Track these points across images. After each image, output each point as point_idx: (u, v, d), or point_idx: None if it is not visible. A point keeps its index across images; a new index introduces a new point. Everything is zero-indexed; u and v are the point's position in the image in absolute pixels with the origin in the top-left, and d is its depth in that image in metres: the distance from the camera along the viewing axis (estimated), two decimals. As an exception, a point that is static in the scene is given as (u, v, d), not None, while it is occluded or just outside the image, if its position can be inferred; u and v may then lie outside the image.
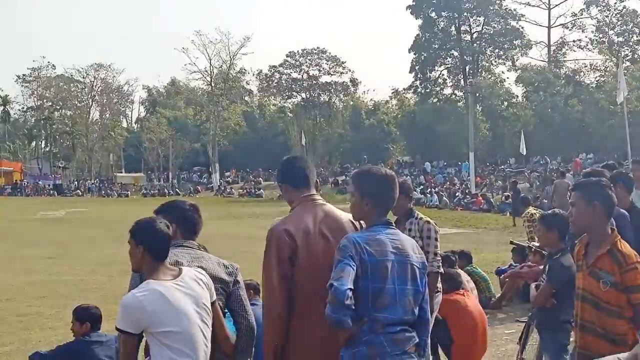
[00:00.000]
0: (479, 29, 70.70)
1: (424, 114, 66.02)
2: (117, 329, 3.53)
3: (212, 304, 3.78)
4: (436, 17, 70.31)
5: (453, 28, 70.85)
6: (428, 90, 72.23)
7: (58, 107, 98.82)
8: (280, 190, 4.14)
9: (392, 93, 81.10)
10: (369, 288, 3.42)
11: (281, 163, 4.13)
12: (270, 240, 3.69)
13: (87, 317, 5.75)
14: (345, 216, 3.90)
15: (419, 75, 72.09)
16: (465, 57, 71.40)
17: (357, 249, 3.43)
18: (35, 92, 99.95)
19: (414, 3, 69.26)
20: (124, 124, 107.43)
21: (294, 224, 3.73)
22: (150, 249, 3.64)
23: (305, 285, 3.64)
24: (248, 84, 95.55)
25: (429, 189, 43.31)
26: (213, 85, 77.34)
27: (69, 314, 6.02)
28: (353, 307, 3.27)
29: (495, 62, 71.73)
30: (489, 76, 68.55)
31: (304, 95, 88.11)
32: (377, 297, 3.44)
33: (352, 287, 3.29)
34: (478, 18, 70.10)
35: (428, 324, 3.77)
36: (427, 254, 5.43)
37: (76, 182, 79.55)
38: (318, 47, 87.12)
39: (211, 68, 76.65)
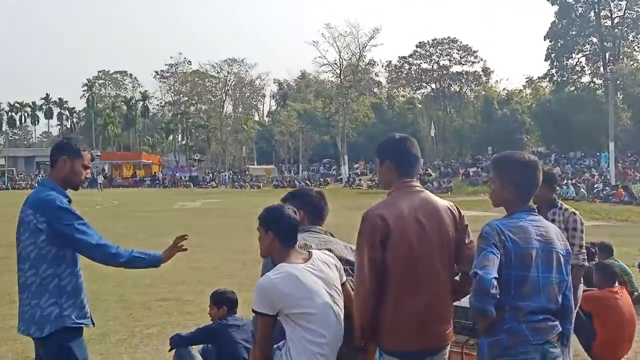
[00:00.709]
0: (621, 13, 67.12)
1: (560, 103, 63.54)
2: (253, 310, 3.63)
3: (343, 285, 3.86)
4: (574, 2, 67.45)
5: (592, 13, 67.69)
6: (565, 79, 69.56)
7: (193, 102, 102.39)
8: (378, 166, 3.95)
9: (526, 82, 78.76)
10: (512, 276, 3.37)
11: (392, 140, 3.93)
12: (363, 223, 3.66)
13: (223, 301, 5.99)
14: (443, 203, 3.81)
15: (555, 63, 69.58)
16: (605, 43, 68.01)
17: (501, 237, 3.38)
18: (172, 87, 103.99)
19: (550, -11, 66.78)
20: (256, 118, 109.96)
21: (388, 208, 3.67)
22: (279, 234, 3.75)
23: (397, 268, 3.60)
24: (377, 76, 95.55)
25: (565, 181, 41.68)
26: (342, 77, 77.59)
27: (206, 299, 6.29)
28: (498, 296, 3.23)
29: (638, 47, 67.96)
30: (631, 63, 65.03)
31: (433, 85, 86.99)
32: (520, 286, 3.38)
33: (497, 276, 3.24)
34: (620, 2, 66.55)
35: (572, 312, 3.66)
36: (572, 246, 5.22)
37: (211, 174, 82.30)
38: (449, 37, 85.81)
39: (340, 60, 76.98)
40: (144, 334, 7.99)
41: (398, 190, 3.79)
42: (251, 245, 17.20)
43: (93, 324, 4.30)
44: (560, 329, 3.51)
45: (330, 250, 4.03)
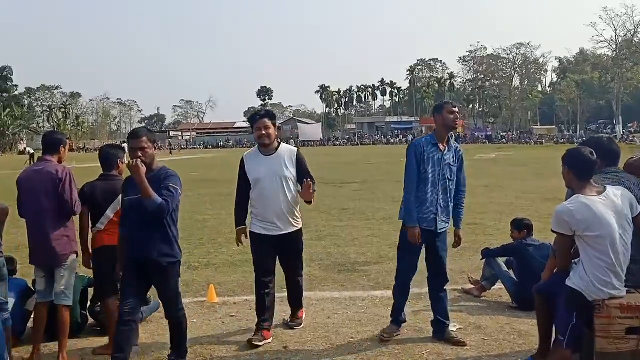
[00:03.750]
0: None
1: None
2: (552, 230, 3.49)
3: (634, 219, 3.47)
4: None
5: None
6: None
7: (488, 79, 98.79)
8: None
9: None
10: None
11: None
12: None
13: (523, 226, 5.75)
14: None
15: None
16: None
17: None
18: (472, 68, 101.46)
19: None
20: (539, 88, 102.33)
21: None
22: (575, 170, 3.49)
23: None
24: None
25: None
26: (618, 51, 68.10)
27: (504, 226, 6.08)
28: None
29: None
30: None
31: None
32: None
33: None
34: None
35: None
36: None
37: (501, 133, 78.92)
38: None
39: (616, 37, 67.55)
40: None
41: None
42: (538, 187, 16.26)
43: None
44: None
45: (625, 187, 3.61)
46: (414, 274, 4.68)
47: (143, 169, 3.71)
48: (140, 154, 3.79)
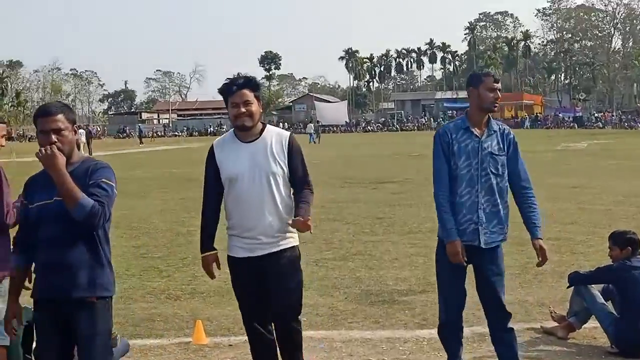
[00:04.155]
0: None
1: None
2: None
3: None
4: None
5: None
6: None
7: (577, 39, 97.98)
8: None
9: None
10: None
11: None
12: None
13: (626, 242, 5.67)
14: None
15: None
16: None
17: None
18: (555, 25, 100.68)
19: None
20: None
21: None
22: None
23: None
24: None
25: None
26: None
27: (599, 241, 6.05)
28: None
29: None
30: None
31: None
32: None
33: None
34: None
35: None
36: None
37: (595, 115, 78.22)
38: None
39: None
40: (537, 270, 7.99)
41: None
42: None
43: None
44: None
45: None
46: (462, 306, 4.69)
47: (62, 159, 3.47)
48: (55, 139, 3.55)
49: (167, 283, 8.02)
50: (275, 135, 4.41)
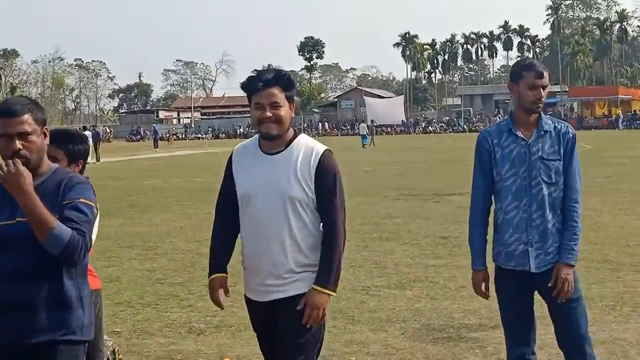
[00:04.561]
0: None
1: None
2: None
3: None
4: None
5: None
6: None
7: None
8: None
9: None
10: None
11: None
12: None
13: None
14: None
15: None
16: None
17: None
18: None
19: None
20: None
21: None
22: None
23: None
24: None
25: None
26: None
27: None
28: None
29: None
30: None
31: None
32: None
33: None
34: None
35: None
36: None
37: None
38: None
39: None
40: (636, 302, 7.86)
41: None
42: None
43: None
44: None
45: None
46: (529, 343, 4.64)
47: (28, 178, 3.32)
48: (19, 145, 3.41)
49: (189, 314, 8.08)
50: (304, 150, 4.13)
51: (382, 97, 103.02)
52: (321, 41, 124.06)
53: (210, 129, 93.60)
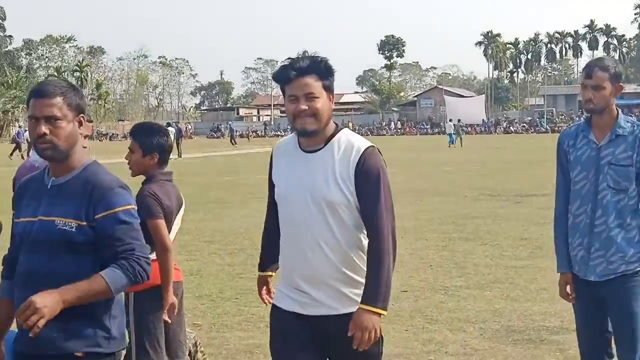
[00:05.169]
0: None
1: None
2: None
3: None
4: None
5: None
6: None
7: None
8: None
9: None
10: None
11: None
12: None
13: None
14: None
15: None
16: None
17: None
18: None
19: None
20: None
21: None
22: None
23: None
24: None
25: None
26: None
27: None
28: None
29: None
30: None
31: None
32: None
33: None
34: None
35: None
36: None
37: None
38: None
39: None
40: None
41: None
42: None
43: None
44: None
45: None
46: (602, 350, 4.57)
47: (52, 307, 2.99)
48: (45, 129, 3.17)
49: (268, 309, 8.17)
50: (344, 147, 3.66)
51: (463, 97, 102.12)
52: (402, 39, 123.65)
53: (289, 127, 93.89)
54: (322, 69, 3.64)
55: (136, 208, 3.29)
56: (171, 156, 5.20)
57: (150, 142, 4.88)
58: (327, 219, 3.59)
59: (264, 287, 4.12)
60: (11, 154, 39.76)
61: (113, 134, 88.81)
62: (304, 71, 3.59)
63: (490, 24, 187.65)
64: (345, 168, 3.59)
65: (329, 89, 3.65)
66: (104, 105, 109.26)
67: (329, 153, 3.65)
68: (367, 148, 3.61)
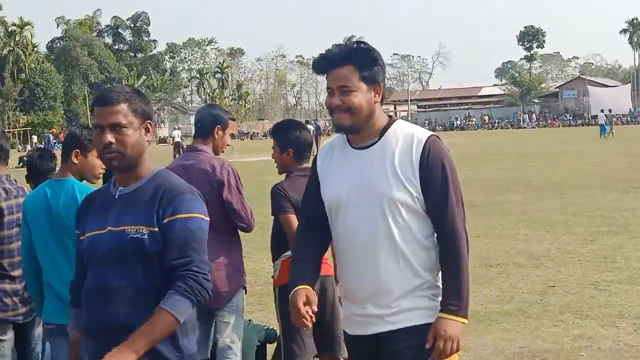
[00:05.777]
0: None
1: None
2: None
3: None
4: None
5: None
6: None
7: None
8: None
9: None
10: None
11: None
12: None
13: None
14: None
15: None
16: None
17: None
18: None
19: None
20: None
21: None
22: None
23: None
24: None
25: None
26: None
27: None
28: None
29: None
30: None
31: None
32: None
33: None
34: None
35: None
36: None
37: None
38: None
39: None
40: None
41: None
42: None
43: None
44: None
45: None
46: None
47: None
48: (110, 138, 3.01)
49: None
50: (403, 138, 3.32)
51: (607, 86, 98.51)
52: (542, 30, 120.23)
53: (427, 122, 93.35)
54: (360, 57, 3.28)
55: (207, 219, 3.10)
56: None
57: (285, 139, 4.97)
58: (389, 222, 3.25)
59: (301, 300, 3.34)
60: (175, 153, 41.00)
61: (254, 132, 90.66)
62: (338, 62, 3.27)
63: (635, 11, 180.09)
64: (408, 161, 3.25)
65: (371, 80, 3.29)
66: (245, 105, 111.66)
67: (385, 146, 3.32)
68: (429, 137, 3.29)
